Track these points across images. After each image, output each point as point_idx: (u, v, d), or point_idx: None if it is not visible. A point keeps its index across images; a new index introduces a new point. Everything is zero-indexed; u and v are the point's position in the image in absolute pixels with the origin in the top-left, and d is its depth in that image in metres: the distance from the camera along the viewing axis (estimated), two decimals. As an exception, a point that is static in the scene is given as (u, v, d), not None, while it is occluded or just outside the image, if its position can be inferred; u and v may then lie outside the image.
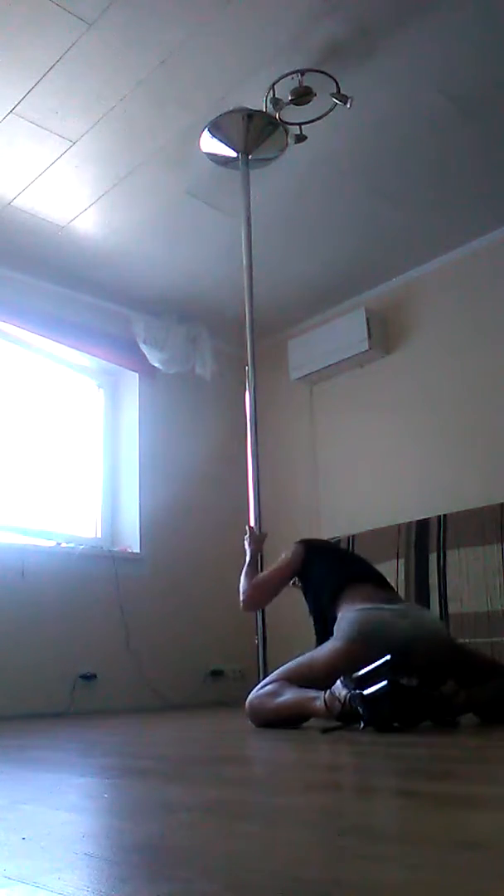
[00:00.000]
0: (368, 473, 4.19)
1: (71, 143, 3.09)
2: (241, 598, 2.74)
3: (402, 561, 3.54)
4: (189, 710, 3.76)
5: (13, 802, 1.20)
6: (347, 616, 2.31)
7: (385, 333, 4.25)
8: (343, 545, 3.77)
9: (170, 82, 2.81)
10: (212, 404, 4.68)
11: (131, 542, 4.21)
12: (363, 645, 2.16)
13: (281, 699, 2.30)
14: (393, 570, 3.49)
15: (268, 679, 2.45)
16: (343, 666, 2.14)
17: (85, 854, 0.82)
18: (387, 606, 2.32)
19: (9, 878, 0.71)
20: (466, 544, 3.35)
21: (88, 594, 3.86)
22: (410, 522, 3.63)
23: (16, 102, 2.85)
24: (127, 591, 3.98)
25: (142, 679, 3.89)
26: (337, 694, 2.08)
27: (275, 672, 2.46)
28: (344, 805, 1.10)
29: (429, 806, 1.02)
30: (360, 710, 1.99)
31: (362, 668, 2.04)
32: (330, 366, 4.34)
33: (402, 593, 3.38)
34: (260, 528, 3.00)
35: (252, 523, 3.01)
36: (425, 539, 3.52)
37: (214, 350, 4.53)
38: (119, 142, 3.11)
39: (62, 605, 3.72)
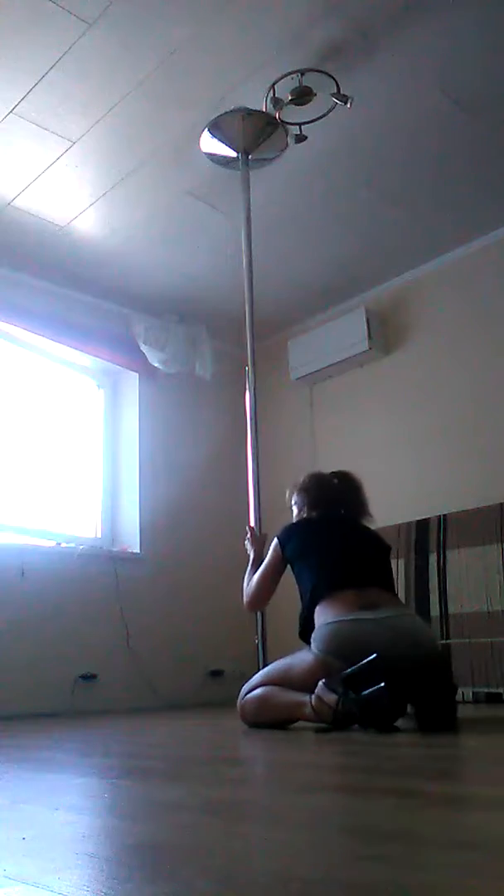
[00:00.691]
0: (368, 473, 4.14)
1: (71, 143, 3.09)
2: (244, 599, 2.76)
3: (401, 561, 3.54)
4: (189, 710, 3.75)
5: (14, 802, 1.20)
6: (322, 631, 2.26)
7: (385, 333, 4.25)
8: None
9: (170, 82, 2.81)
10: (212, 404, 4.68)
11: (131, 542, 4.21)
12: (336, 660, 2.12)
13: (272, 703, 2.31)
14: (393, 571, 3.49)
15: (254, 681, 2.45)
16: (320, 677, 2.13)
17: (85, 854, 0.82)
18: (364, 616, 2.19)
19: (9, 878, 0.71)
20: (466, 544, 3.35)
21: (88, 594, 3.86)
22: (410, 522, 3.62)
23: (16, 102, 2.85)
24: (127, 591, 3.98)
25: (142, 679, 3.89)
26: (325, 699, 2.05)
27: (259, 674, 2.47)
28: (343, 805, 1.10)
29: (429, 806, 1.02)
30: (358, 713, 1.97)
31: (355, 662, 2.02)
32: (330, 366, 4.34)
33: (401, 594, 3.37)
34: (260, 528, 3.00)
35: (252, 524, 3.00)
36: (425, 539, 3.52)
37: (214, 350, 4.53)
38: (119, 142, 3.11)
39: (62, 605, 3.72)
